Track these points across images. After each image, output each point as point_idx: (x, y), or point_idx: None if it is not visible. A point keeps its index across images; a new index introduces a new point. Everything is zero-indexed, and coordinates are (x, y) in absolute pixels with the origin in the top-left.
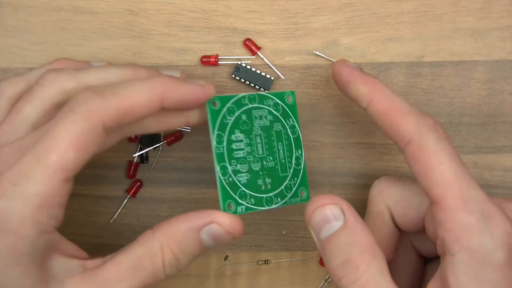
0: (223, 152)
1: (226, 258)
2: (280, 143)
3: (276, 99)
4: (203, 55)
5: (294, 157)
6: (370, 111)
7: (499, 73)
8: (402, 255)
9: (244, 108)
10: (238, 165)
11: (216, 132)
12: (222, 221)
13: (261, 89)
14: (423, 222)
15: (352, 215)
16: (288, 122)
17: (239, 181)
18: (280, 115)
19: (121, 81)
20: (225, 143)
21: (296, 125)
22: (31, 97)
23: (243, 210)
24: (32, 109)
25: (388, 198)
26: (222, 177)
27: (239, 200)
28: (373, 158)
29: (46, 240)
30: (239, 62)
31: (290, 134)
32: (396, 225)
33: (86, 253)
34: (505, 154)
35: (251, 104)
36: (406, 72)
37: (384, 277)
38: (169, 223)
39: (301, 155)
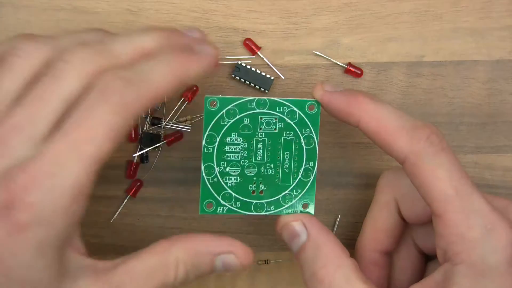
0: (211, 153)
1: None
2: (288, 152)
3: (293, 107)
4: None
5: (302, 169)
6: (362, 131)
7: (499, 73)
8: (403, 251)
9: (248, 112)
10: (228, 168)
11: (207, 133)
12: (240, 254)
13: (261, 89)
14: (429, 216)
15: (314, 228)
16: (303, 132)
17: (226, 183)
18: (294, 123)
19: (120, 45)
20: (216, 144)
21: (314, 136)
22: (10, 70)
23: (224, 211)
24: (12, 82)
25: (396, 189)
26: (205, 177)
27: (221, 201)
28: (373, 158)
29: (69, 232)
30: (239, 62)
31: (303, 144)
32: (402, 217)
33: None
34: (505, 154)
35: (259, 109)
36: (406, 72)
37: (351, 285)
38: (188, 240)
39: (313, 167)
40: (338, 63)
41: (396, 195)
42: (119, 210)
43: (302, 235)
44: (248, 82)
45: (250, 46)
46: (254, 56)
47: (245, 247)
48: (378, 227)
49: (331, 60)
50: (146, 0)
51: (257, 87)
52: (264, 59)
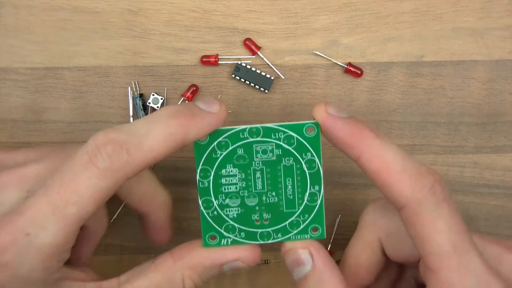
0: (207, 187)
1: None
2: (290, 179)
3: (290, 132)
4: (203, 54)
5: (307, 193)
6: (360, 167)
7: (499, 73)
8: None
9: (241, 142)
10: (227, 200)
11: (200, 167)
12: (246, 259)
13: (261, 88)
14: (415, 258)
15: (320, 259)
16: (304, 156)
17: (227, 215)
18: (293, 148)
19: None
20: (211, 178)
21: (317, 159)
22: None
23: (228, 243)
24: None
25: (381, 229)
26: (204, 211)
27: (225, 233)
28: None
29: (54, 277)
30: (239, 62)
31: (305, 169)
32: (385, 254)
33: (94, 273)
34: (505, 154)
35: (252, 138)
36: (406, 72)
37: None
38: (193, 256)
39: (319, 191)
40: (338, 63)
41: (381, 235)
42: (119, 210)
43: (307, 264)
44: (248, 82)
45: (250, 46)
46: (254, 56)
47: (250, 249)
48: (360, 264)
49: (331, 60)
50: (146, 0)
51: (257, 87)
52: (264, 59)
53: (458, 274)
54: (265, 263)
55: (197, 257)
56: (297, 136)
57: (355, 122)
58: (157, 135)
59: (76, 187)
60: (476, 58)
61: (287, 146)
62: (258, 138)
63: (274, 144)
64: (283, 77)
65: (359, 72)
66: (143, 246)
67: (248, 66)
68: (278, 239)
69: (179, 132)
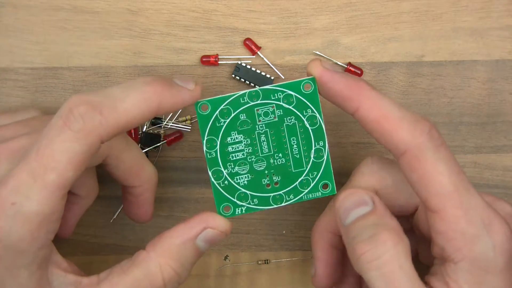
0: (215, 157)
1: (226, 258)
2: (294, 138)
3: (288, 91)
4: (203, 54)
5: (313, 150)
6: (358, 118)
7: (499, 73)
8: None
9: (243, 107)
10: (236, 168)
11: (206, 138)
12: (215, 224)
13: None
14: (409, 210)
15: (382, 204)
16: (305, 113)
17: (238, 183)
18: (293, 107)
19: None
20: (218, 147)
21: (317, 115)
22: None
23: (243, 211)
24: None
25: (378, 180)
26: (215, 182)
27: (238, 202)
28: None
29: (43, 253)
30: (239, 62)
31: (307, 126)
32: None
33: (76, 266)
34: (505, 153)
35: (252, 101)
36: (406, 72)
37: (409, 262)
38: (162, 240)
39: (324, 146)
40: (338, 63)
41: (377, 186)
42: (119, 210)
43: (368, 205)
44: (248, 82)
45: (250, 46)
46: (254, 56)
47: (215, 215)
48: None
49: (331, 60)
50: (146, 0)
51: (257, 87)
52: (264, 59)
53: (462, 211)
54: (265, 263)
55: (166, 240)
56: (295, 94)
57: (351, 76)
58: (132, 99)
59: (52, 153)
60: (476, 58)
61: (287, 105)
62: (258, 101)
63: (274, 105)
64: (283, 77)
65: (359, 72)
66: (143, 246)
67: (248, 66)
68: (291, 201)
69: (154, 99)
